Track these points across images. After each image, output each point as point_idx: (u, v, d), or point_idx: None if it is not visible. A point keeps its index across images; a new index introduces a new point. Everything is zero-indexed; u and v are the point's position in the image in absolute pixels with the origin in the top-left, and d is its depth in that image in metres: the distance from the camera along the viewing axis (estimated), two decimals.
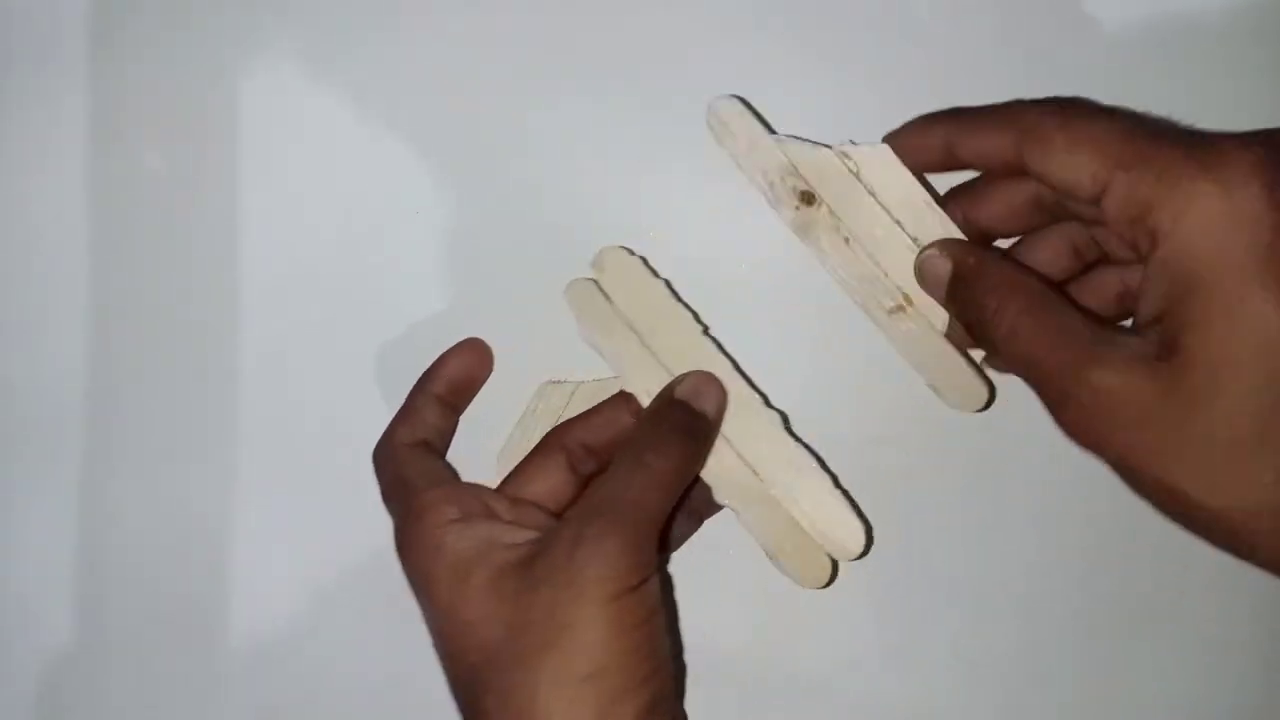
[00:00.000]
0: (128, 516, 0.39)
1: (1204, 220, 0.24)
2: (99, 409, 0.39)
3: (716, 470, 0.33)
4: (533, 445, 0.35)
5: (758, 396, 0.33)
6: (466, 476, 0.35)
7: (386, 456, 0.34)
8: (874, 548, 0.34)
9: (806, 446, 0.33)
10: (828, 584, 0.33)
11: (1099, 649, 0.36)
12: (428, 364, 0.36)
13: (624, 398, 0.34)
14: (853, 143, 0.32)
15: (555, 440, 0.34)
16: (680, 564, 0.37)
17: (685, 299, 0.35)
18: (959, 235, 0.32)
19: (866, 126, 0.33)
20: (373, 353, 0.38)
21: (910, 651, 0.37)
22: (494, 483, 0.35)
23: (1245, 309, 0.24)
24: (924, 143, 0.31)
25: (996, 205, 0.31)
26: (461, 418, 0.37)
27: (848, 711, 0.37)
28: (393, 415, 0.36)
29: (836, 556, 0.33)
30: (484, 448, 0.36)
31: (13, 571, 0.39)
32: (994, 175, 0.32)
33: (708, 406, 0.32)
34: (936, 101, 0.32)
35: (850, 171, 0.32)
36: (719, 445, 0.33)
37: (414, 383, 0.36)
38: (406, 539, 0.31)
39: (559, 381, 0.36)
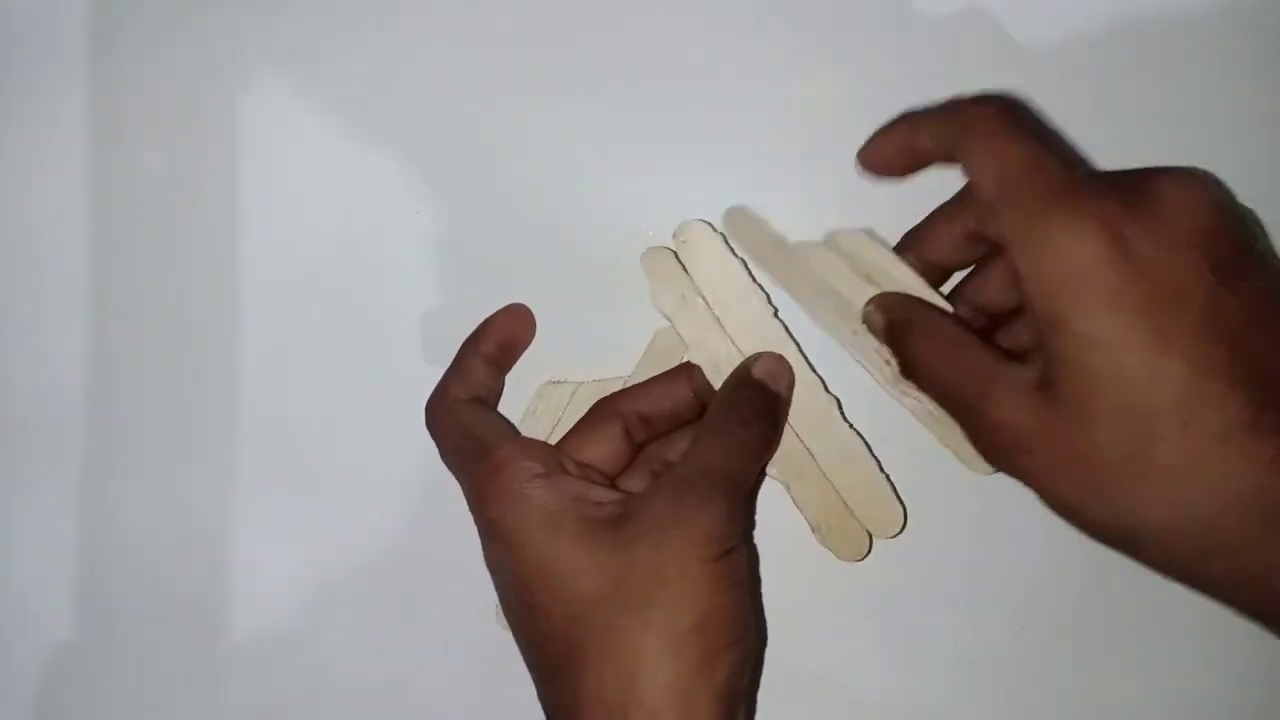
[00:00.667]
0: (128, 516, 0.39)
1: (1057, 267, 0.27)
2: (99, 409, 0.39)
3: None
4: None
5: (818, 380, 0.34)
6: None
7: (445, 413, 0.34)
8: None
9: (857, 432, 0.34)
10: (863, 558, 0.35)
11: (1099, 649, 0.36)
12: (427, 364, 0.36)
13: (685, 370, 0.35)
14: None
15: (610, 408, 0.34)
16: None
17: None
18: (931, 294, 0.33)
19: (866, 127, 0.33)
20: (373, 353, 0.38)
21: (910, 651, 0.37)
22: None
23: (1099, 348, 0.27)
24: (887, 147, 0.33)
25: (938, 243, 0.33)
26: None
27: (848, 710, 0.37)
28: (392, 415, 0.36)
29: (876, 534, 0.35)
30: None
31: (13, 571, 0.39)
32: (933, 216, 0.33)
33: (782, 388, 0.34)
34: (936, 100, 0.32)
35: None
36: None
37: (404, 381, 0.36)
38: (487, 492, 0.31)
39: (559, 381, 0.36)
